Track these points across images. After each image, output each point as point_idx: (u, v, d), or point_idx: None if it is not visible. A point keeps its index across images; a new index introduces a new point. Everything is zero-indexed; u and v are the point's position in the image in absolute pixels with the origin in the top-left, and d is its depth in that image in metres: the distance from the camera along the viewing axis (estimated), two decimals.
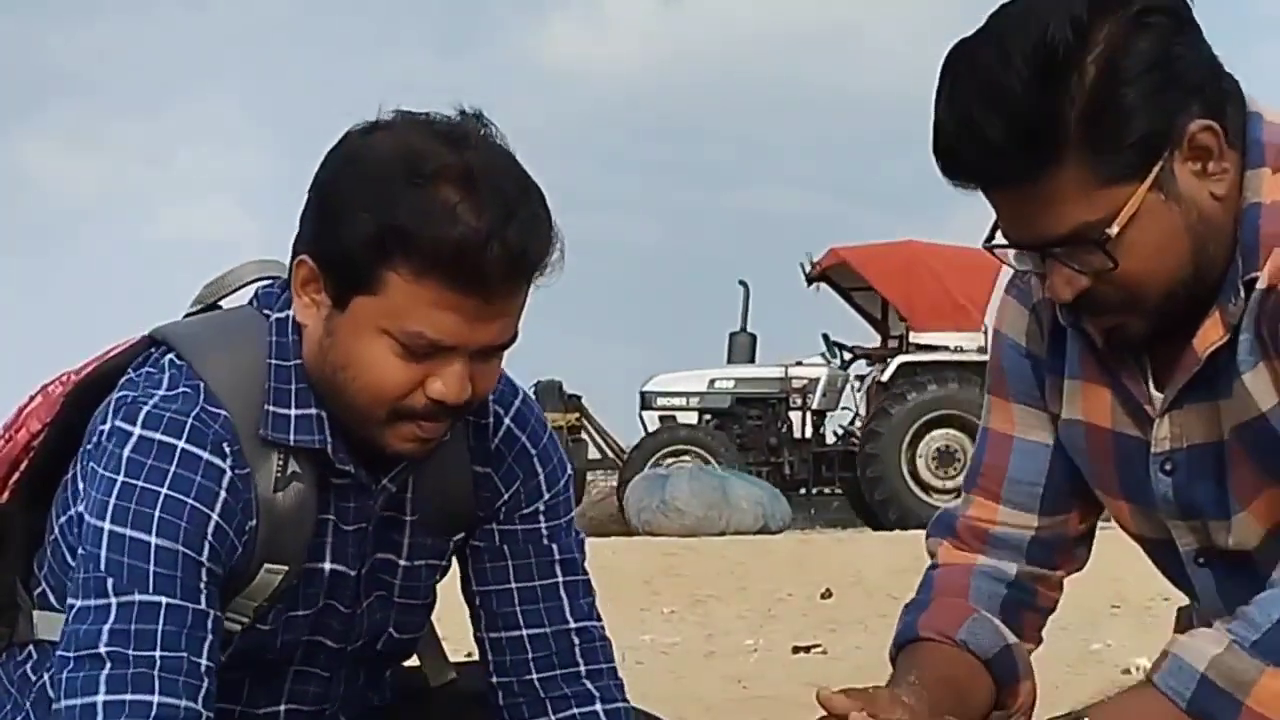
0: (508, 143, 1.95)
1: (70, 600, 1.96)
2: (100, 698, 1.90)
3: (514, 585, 2.14)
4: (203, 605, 1.94)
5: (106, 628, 1.91)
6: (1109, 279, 1.87)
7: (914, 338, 18.38)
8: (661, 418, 18.34)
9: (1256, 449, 1.94)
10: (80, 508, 2.00)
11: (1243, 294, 1.89)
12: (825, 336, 19.38)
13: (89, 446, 2.01)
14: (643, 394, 18.90)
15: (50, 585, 2.09)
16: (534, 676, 2.14)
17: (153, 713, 1.89)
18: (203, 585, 1.94)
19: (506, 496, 2.13)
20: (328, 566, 2.05)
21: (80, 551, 1.96)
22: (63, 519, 2.06)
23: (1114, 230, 1.84)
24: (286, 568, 2.02)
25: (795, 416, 18.71)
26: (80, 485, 2.02)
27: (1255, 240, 1.88)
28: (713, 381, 18.71)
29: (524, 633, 2.14)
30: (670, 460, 17.67)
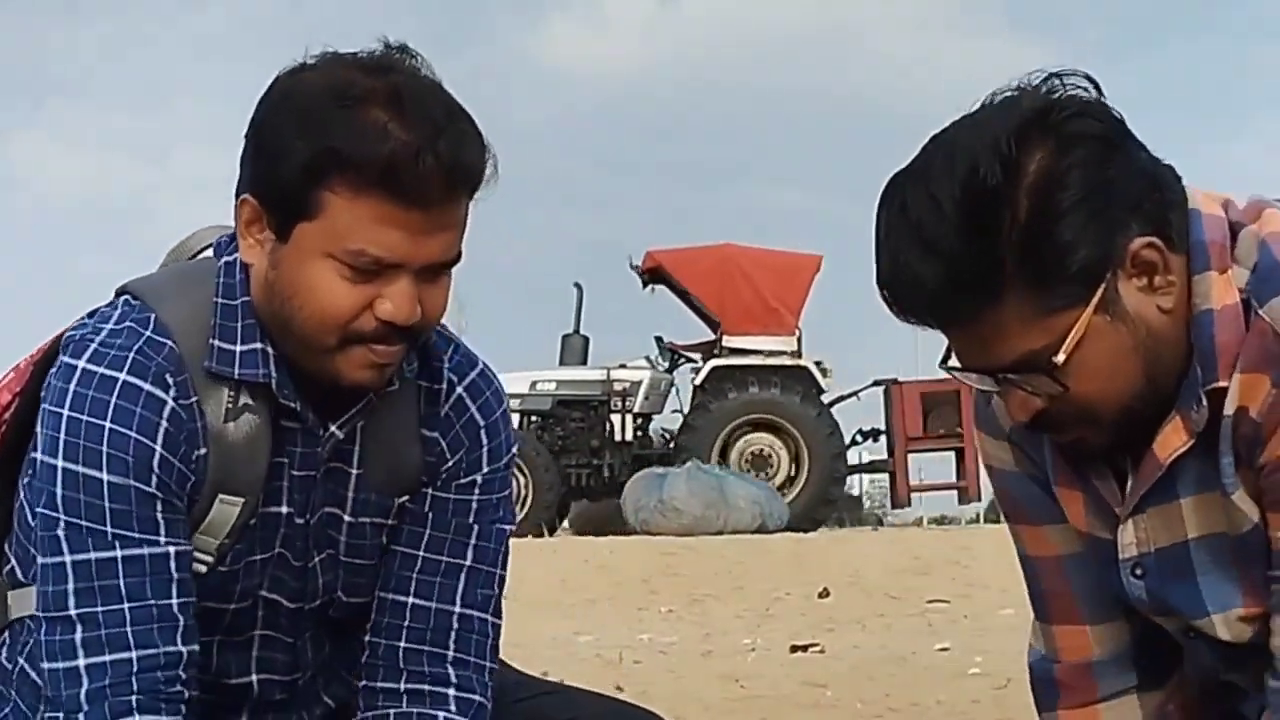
0: (435, 73, 1.98)
1: (36, 556, 1.99)
2: (81, 661, 1.95)
3: (421, 553, 2.14)
4: (162, 544, 1.97)
5: (70, 588, 1.96)
6: (1063, 400, 1.87)
7: (727, 341, 18.42)
8: None
9: (1252, 556, 1.93)
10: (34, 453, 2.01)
11: (1205, 402, 1.88)
12: (658, 339, 19.50)
13: (44, 394, 2.03)
14: None
15: (19, 558, 2.10)
16: (401, 645, 2.14)
17: (134, 668, 1.95)
18: (160, 517, 1.97)
19: (451, 463, 2.14)
20: (284, 510, 2.07)
21: (31, 495, 1.99)
22: (26, 479, 2.07)
23: (1061, 357, 1.83)
24: (243, 500, 2.03)
25: (617, 419, 18.72)
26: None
27: (1212, 347, 1.86)
28: (534, 384, 18.55)
29: (409, 600, 2.14)
30: None
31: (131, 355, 1.98)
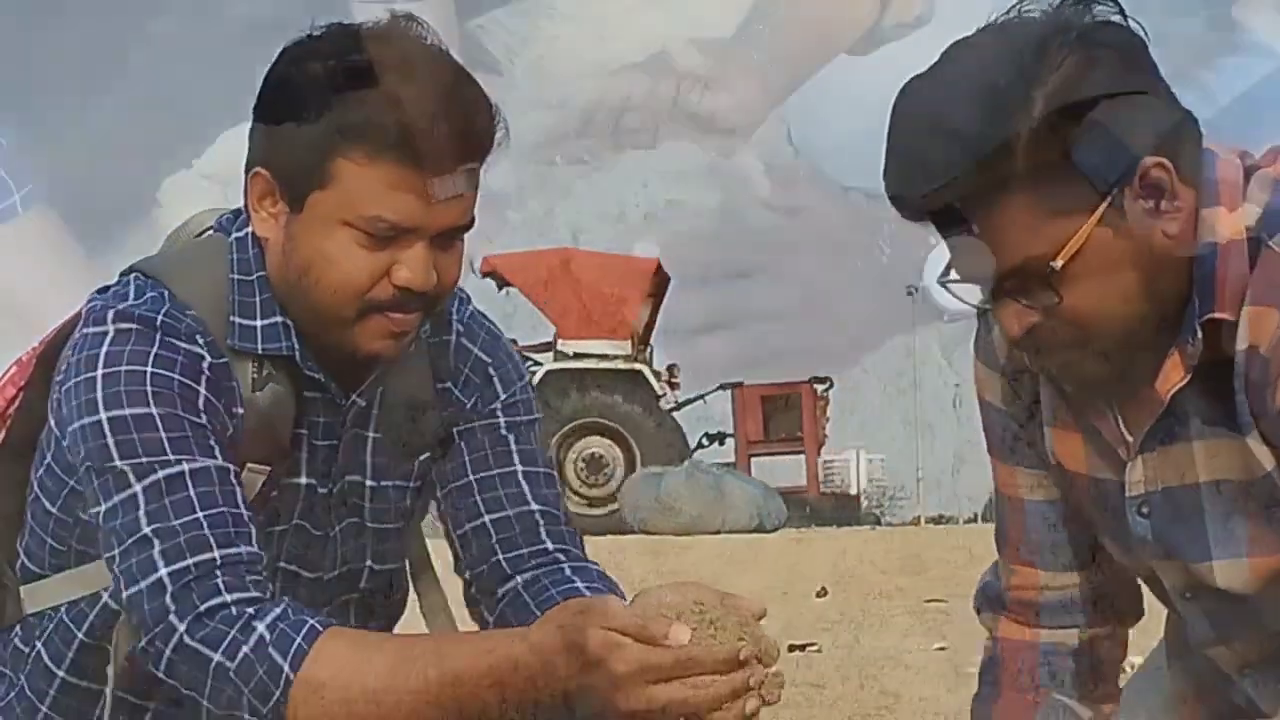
0: (441, 40, 1.99)
1: (94, 509, 1.95)
2: (163, 571, 1.90)
3: (472, 477, 2.13)
4: (221, 461, 1.95)
5: (141, 512, 1.91)
6: (1058, 314, 1.86)
7: (563, 345, 18.37)
8: None
9: (1262, 504, 1.94)
10: (60, 436, 1.99)
11: (1200, 334, 1.88)
12: (512, 342, 19.37)
13: (59, 377, 2.01)
14: None
15: (30, 553, 2.09)
16: (500, 557, 2.11)
17: (218, 564, 1.90)
18: (213, 444, 1.95)
19: (468, 408, 2.15)
20: (303, 481, 2.07)
21: (83, 456, 1.95)
22: (40, 471, 2.06)
23: (1059, 262, 1.83)
24: (269, 468, 2.03)
25: None
26: (54, 429, 2.02)
27: (1213, 280, 1.87)
28: None
29: (486, 519, 2.12)
30: None
31: (161, 318, 1.98)
